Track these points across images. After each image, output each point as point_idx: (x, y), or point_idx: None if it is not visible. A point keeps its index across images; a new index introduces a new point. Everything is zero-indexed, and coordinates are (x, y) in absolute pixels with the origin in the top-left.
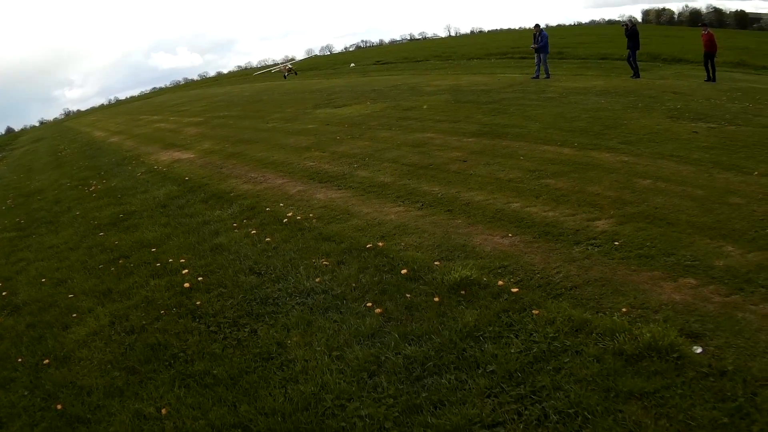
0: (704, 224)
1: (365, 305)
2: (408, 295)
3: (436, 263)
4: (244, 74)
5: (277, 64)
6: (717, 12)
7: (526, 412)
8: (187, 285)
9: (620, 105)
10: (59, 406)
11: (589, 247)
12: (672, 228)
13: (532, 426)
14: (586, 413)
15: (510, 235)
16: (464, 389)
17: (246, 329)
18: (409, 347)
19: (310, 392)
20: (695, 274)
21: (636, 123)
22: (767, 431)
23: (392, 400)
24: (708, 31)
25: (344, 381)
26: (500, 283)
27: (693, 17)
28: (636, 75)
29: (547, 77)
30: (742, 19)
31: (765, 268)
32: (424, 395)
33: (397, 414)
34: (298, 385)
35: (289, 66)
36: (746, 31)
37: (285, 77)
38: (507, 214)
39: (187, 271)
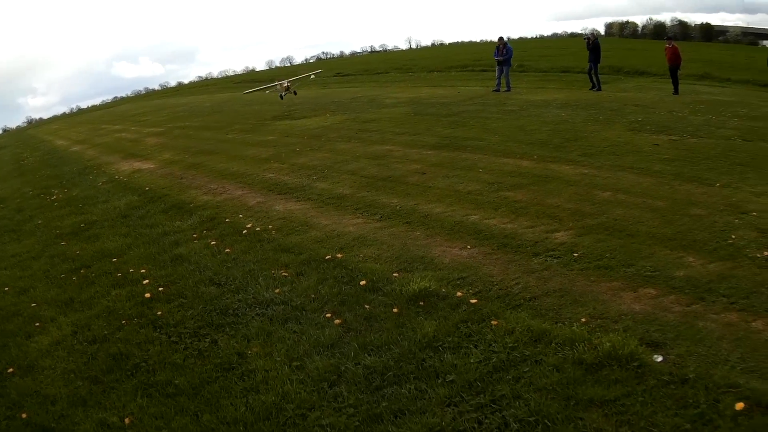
0: (664, 235)
1: (324, 316)
2: (367, 306)
3: (394, 274)
4: (205, 84)
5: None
6: (682, 25)
7: (487, 420)
8: (148, 295)
9: (581, 118)
10: (24, 415)
11: (548, 259)
12: (632, 239)
13: None
14: (546, 421)
15: (469, 246)
16: (424, 399)
17: (207, 339)
18: (369, 357)
19: (272, 402)
20: (655, 284)
21: (596, 135)
22: None
23: (353, 409)
24: (672, 45)
25: (305, 391)
26: (459, 294)
27: (657, 30)
28: (597, 88)
29: (508, 90)
30: (708, 32)
31: (726, 278)
32: (384, 405)
33: (358, 423)
34: (259, 395)
35: (287, 84)
36: (712, 44)
37: (281, 97)
38: (466, 226)
39: (147, 281)
